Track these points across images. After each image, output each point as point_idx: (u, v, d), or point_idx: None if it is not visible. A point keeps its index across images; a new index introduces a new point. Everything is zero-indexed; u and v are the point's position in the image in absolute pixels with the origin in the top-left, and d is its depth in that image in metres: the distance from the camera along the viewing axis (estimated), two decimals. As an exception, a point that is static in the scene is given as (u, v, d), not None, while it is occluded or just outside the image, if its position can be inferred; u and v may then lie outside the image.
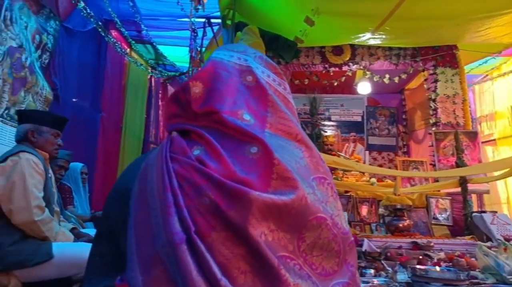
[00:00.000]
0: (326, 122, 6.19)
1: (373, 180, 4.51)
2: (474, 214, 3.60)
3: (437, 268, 2.29)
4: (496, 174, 3.91)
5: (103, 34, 4.10)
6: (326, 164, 0.97)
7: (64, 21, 3.81)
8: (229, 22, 4.34)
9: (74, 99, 4.11)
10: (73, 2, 3.58)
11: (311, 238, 0.81)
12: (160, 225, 0.76)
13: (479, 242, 2.84)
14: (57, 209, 2.29)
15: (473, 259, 2.53)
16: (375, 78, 5.02)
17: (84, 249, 1.90)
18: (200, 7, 3.32)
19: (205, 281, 0.69)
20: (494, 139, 6.18)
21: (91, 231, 2.69)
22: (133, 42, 4.83)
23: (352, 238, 0.92)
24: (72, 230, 2.38)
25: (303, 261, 0.80)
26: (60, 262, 2.01)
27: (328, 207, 0.86)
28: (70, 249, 2.08)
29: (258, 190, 0.77)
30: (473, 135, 4.48)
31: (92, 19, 3.80)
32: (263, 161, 0.82)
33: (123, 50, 4.63)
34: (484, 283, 2.12)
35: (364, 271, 2.44)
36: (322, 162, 0.94)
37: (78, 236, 2.36)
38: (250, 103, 0.94)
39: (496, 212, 3.66)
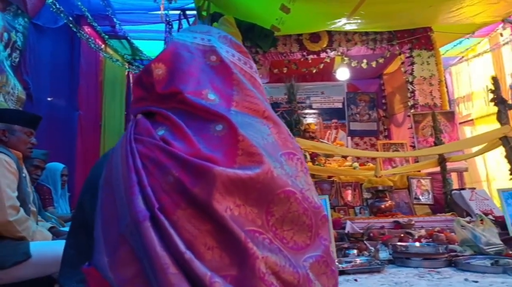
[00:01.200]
0: (308, 111, 6.23)
1: (355, 164, 4.56)
2: (453, 191, 3.68)
3: (417, 244, 2.34)
4: (474, 151, 3.99)
5: (75, 30, 4.00)
6: (295, 140, 0.98)
7: (34, 18, 3.70)
8: (204, 13, 4.30)
9: (49, 98, 4.01)
10: (41, -3, 3.48)
11: (280, 212, 0.81)
12: (124, 205, 0.76)
13: (457, 217, 2.90)
14: (33, 208, 2.23)
15: (452, 233, 2.59)
16: (353, 64, 5.05)
17: (62, 247, 1.87)
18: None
19: (169, 256, 0.69)
20: (471, 120, 6.32)
21: (72, 230, 2.65)
22: (107, 37, 4.74)
23: (325, 213, 0.92)
24: (50, 229, 2.33)
25: (273, 235, 0.80)
26: (39, 261, 1.97)
27: (297, 182, 0.86)
28: (48, 247, 2.04)
29: (223, 166, 0.77)
30: (450, 116, 4.57)
31: (62, 15, 3.70)
32: (228, 138, 0.81)
33: (97, 46, 4.53)
34: (463, 255, 2.17)
35: (347, 251, 2.47)
36: (290, 138, 0.94)
37: (57, 234, 2.32)
38: (215, 82, 0.94)
39: (474, 188, 3.74)
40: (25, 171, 2.32)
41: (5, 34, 3.31)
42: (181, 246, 0.69)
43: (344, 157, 4.84)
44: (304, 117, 5.96)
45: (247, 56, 1.07)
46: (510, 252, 2.15)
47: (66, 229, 2.73)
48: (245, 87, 0.94)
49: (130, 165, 0.78)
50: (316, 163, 4.51)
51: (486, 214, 2.94)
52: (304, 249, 0.84)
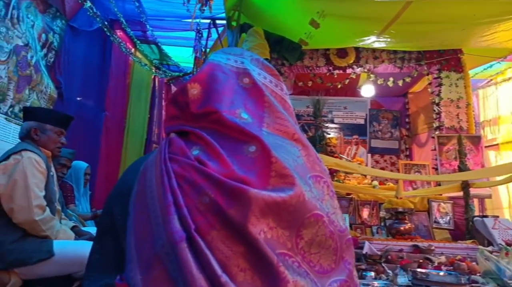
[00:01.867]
0: (329, 125, 6.20)
1: (375, 182, 4.50)
2: (475, 218, 3.59)
3: (438, 272, 2.28)
4: (499, 178, 3.89)
5: (108, 34, 4.12)
6: (323, 163, 0.98)
7: (70, 20, 3.84)
8: (234, 23, 4.36)
9: (78, 98, 4.13)
10: (80, 1, 3.61)
11: (308, 235, 0.82)
12: (160, 225, 0.77)
13: (480, 246, 2.83)
14: (58, 207, 2.29)
15: (474, 263, 2.53)
16: (379, 81, 5.01)
17: (84, 247, 1.91)
18: (205, 8, 3.33)
19: (205, 278, 0.70)
20: (497, 144, 6.18)
21: (92, 229, 2.70)
22: (138, 42, 4.86)
23: (349, 236, 0.92)
24: (73, 228, 2.38)
25: (302, 258, 0.81)
26: (61, 259, 2.02)
27: (324, 205, 0.87)
28: (70, 247, 2.09)
29: (257, 188, 0.78)
30: (476, 140, 4.47)
31: (98, 19, 3.83)
32: (261, 159, 0.83)
33: (128, 50, 4.65)
34: (485, 288, 2.12)
35: (364, 273, 2.44)
36: (318, 160, 0.95)
37: (79, 234, 2.37)
38: (247, 104, 0.95)
39: (497, 216, 3.65)
40: (53, 169, 2.38)
41: (43, 35, 3.44)
42: (217, 269, 0.70)
43: (364, 175, 4.79)
44: (327, 132, 5.93)
45: (279, 79, 1.09)
46: (535, 289, 2.08)
47: (87, 228, 2.79)
48: (276, 110, 0.96)
49: (165, 185, 0.79)
50: (335, 179, 4.47)
51: (509, 244, 2.86)
52: (329, 273, 0.84)
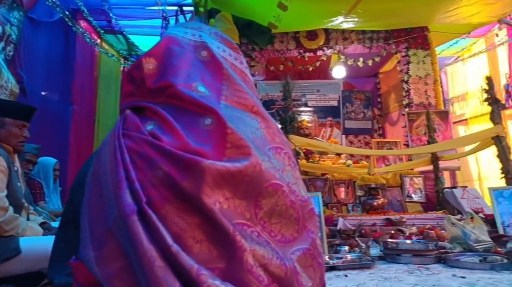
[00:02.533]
0: (303, 108, 6.24)
1: (349, 162, 4.58)
2: (445, 190, 3.71)
3: (407, 241, 2.36)
4: (467, 150, 4.03)
5: (70, 24, 3.98)
6: (283, 135, 0.99)
7: (29, 11, 3.67)
8: (201, 9, 4.28)
9: (43, 93, 4.00)
10: (37, -9, 3.46)
11: (268, 205, 0.82)
12: (112, 200, 0.76)
13: (448, 215, 2.93)
14: (25, 203, 2.21)
15: (443, 231, 2.62)
16: (349, 62, 5.07)
17: (52, 242, 1.86)
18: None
19: (156, 249, 0.69)
20: (466, 119, 6.37)
21: (64, 224, 2.64)
22: (103, 32, 4.71)
23: (312, 206, 0.93)
24: (42, 224, 2.31)
25: (261, 228, 0.81)
26: (29, 256, 1.95)
27: (284, 175, 0.87)
28: (38, 243, 2.02)
29: (212, 159, 0.77)
30: (444, 115, 4.60)
31: (58, 9, 3.69)
32: (216, 131, 0.82)
33: (92, 40, 4.51)
34: (452, 252, 2.20)
35: (339, 248, 2.49)
36: (279, 132, 0.95)
37: (49, 230, 2.30)
38: (205, 77, 0.94)
39: (466, 187, 3.78)
40: (17, 164, 2.27)
41: (0, 28, 3.29)
42: (168, 239, 0.70)
43: (338, 155, 4.87)
44: (300, 115, 5.97)
45: (238, 52, 1.08)
46: (499, 249, 2.18)
47: (57, 224, 2.72)
48: (234, 82, 0.95)
49: (118, 160, 0.78)
50: (310, 160, 4.52)
51: (477, 212, 2.97)
52: (292, 242, 0.85)
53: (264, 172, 0.81)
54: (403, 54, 4.86)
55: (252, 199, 0.80)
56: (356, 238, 2.62)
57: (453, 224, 2.40)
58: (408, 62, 4.80)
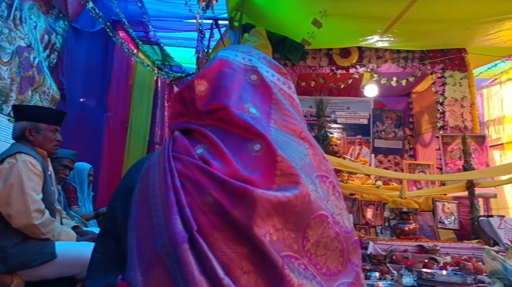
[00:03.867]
0: (332, 125, 6.17)
1: (379, 183, 4.48)
2: (481, 218, 3.55)
3: (444, 272, 2.26)
4: (504, 178, 3.86)
5: (111, 35, 4.12)
6: (329, 163, 0.96)
7: (73, 21, 3.84)
8: (236, 23, 4.35)
9: (81, 99, 4.13)
10: (82, 2, 3.60)
11: (314, 237, 0.80)
12: (161, 225, 0.76)
13: (486, 246, 2.80)
14: (58, 207, 2.27)
15: (479, 263, 2.50)
16: (382, 81, 4.99)
17: (87, 248, 1.89)
18: (206, 7, 3.32)
19: (207, 281, 0.68)
20: (501, 144, 6.13)
21: (95, 229, 2.69)
22: (140, 43, 4.86)
23: (356, 238, 0.90)
24: (74, 229, 2.37)
25: (308, 261, 0.79)
26: (63, 261, 2.00)
27: (329, 205, 0.85)
28: (73, 248, 2.07)
29: (261, 188, 0.76)
30: (481, 139, 4.43)
31: (100, 20, 3.83)
32: (266, 158, 0.81)
33: (130, 50, 4.65)
34: (491, 288, 2.09)
35: (369, 274, 2.42)
36: (325, 160, 0.93)
37: (81, 234, 2.35)
38: (255, 100, 0.94)
39: (503, 216, 3.61)
40: (50, 168, 2.34)
41: (46, 36, 3.45)
42: (220, 272, 0.69)
43: (368, 175, 4.77)
44: (331, 133, 5.91)
45: (287, 77, 1.07)
46: (543, 289, 2.05)
47: (90, 228, 2.78)
48: (283, 107, 0.94)
49: (168, 184, 0.78)
50: (339, 179, 4.45)
51: (516, 245, 2.83)
52: (336, 275, 0.82)
53: (312, 202, 0.79)
54: (439, 75, 4.74)
55: (301, 230, 0.78)
56: (387, 264, 2.54)
57: (492, 257, 2.28)
58: (444, 84, 4.68)
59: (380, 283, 2.20)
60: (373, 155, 5.93)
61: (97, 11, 3.67)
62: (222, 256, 0.72)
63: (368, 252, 2.71)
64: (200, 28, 4.33)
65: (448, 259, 2.70)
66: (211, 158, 0.82)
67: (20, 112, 2.24)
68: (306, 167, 0.85)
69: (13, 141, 2.23)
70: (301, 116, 0.99)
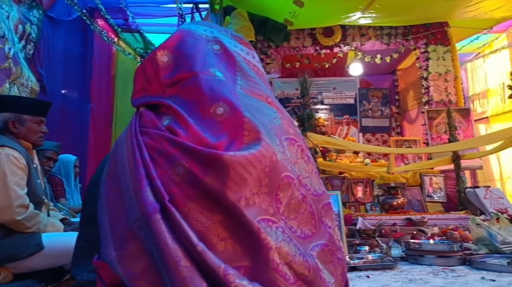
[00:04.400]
0: (319, 106, 6.17)
1: (367, 160, 4.51)
2: (467, 189, 3.61)
3: (431, 241, 2.30)
4: (488, 149, 3.91)
5: (88, 23, 4.02)
6: (297, 127, 0.97)
7: (48, 10, 3.72)
8: (217, 6, 4.28)
9: (63, 91, 4.05)
10: (56, -10, 3.50)
11: (285, 199, 0.79)
12: (132, 199, 0.75)
13: (472, 216, 2.85)
14: (44, 199, 2.23)
15: (466, 232, 2.55)
16: (367, 59, 4.98)
17: (74, 238, 1.87)
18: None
19: (181, 248, 0.68)
20: (486, 117, 6.20)
21: (83, 221, 2.65)
22: (120, 30, 4.74)
23: (328, 200, 0.90)
24: (62, 220, 2.33)
25: (284, 224, 0.79)
26: (51, 252, 1.97)
27: (296, 168, 0.84)
28: (60, 239, 2.04)
29: (231, 150, 0.75)
30: (465, 113, 4.48)
31: (76, 7, 3.72)
32: (231, 120, 0.80)
33: (110, 39, 4.55)
34: (477, 254, 2.13)
35: (359, 248, 2.45)
36: (292, 124, 0.93)
37: (69, 225, 2.32)
38: (219, 66, 0.92)
39: (489, 186, 3.67)
40: (36, 161, 2.28)
41: (20, 27, 3.34)
42: (194, 238, 0.68)
43: (356, 153, 4.80)
44: (316, 112, 5.92)
45: (250, 48, 1.06)
46: (527, 252, 2.10)
47: (78, 219, 2.75)
48: (247, 74, 0.93)
49: (137, 158, 0.77)
50: (328, 158, 4.47)
51: (501, 213, 2.88)
52: (310, 238, 0.82)
53: (279, 163, 0.79)
54: (422, 50, 4.75)
55: (273, 192, 0.77)
56: (377, 238, 2.57)
57: (478, 225, 2.33)
58: (428, 59, 4.69)
59: (369, 256, 2.23)
60: (361, 134, 5.96)
61: (72, -1, 3.56)
62: (197, 224, 0.71)
63: (357, 227, 2.74)
64: (180, 12, 4.24)
65: (436, 230, 2.75)
66: (177, 127, 0.81)
67: (2, 103, 2.14)
68: (276, 128, 0.84)
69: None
70: (266, 84, 0.98)
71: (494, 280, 1.64)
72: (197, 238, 0.68)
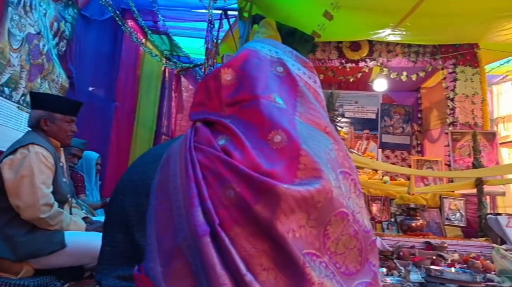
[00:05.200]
0: (340, 119, 6.13)
1: (386, 178, 4.46)
2: (488, 216, 3.53)
3: (452, 269, 2.25)
4: (513, 176, 3.83)
5: (120, 23, 4.10)
6: (351, 160, 0.95)
7: (82, 9, 3.82)
8: (246, 14, 4.30)
9: (90, 88, 4.13)
10: (91, -10, 3.58)
11: (335, 235, 0.79)
12: (182, 217, 0.75)
13: (494, 244, 2.78)
14: (69, 198, 2.27)
15: (488, 261, 2.48)
16: (392, 75, 4.94)
17: (96, 239, 1.87)
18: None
19: (229, 276, 0.67)
20: (510, 141, 6.07)
21: (102, 219, 2.69)
22: (149, 32, 4.82)
23: (374, 238, 0.89)
24: (84, 219, 2.37)
25: (328, 259, 0.78)
26: (73, 251, 2.00)
27: (350, 203, 0.84)
28: (82, 238, 2.07)
29: (284, 182, 0.74)
30: (491, 137, 4.39)
31: (109, 8, 3.80)
32: (288, 150, 0.79)
33: (139, 40, 4.62)
34: (501, 286, 2.08)
35: (376, 270, 2.41)
36: (348, 157, 0.92)
37: (90, 224, 2.35)
38: (281, 91, 0.92)
39: (511, 214, 3.58)
40: (62, 159, 2.32)
41: (55, 24, 3.43)
42: (242, 267, 0.67)
43: (375, 170, 4.74)
44: (341, 127, 5.88)
45: (312, 71, 1.05)
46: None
47: (97, 218, 2.78)
48: (308, 100, 0.92)
49: (190, 175, 0.76)
50: (346, 173, 4.43)
51: (524, 244, 2.81)
52: (355, 275, 0.81)
53: (334, 199, 0.78)
54: (450, 70, 4.68)
55: (322, 227, 0.77)
56: (395, 260, 2.53)
57: (502, 255, 2.27)
58: (455, 79, 4.62)
59: (388, 279, 2.19)
60: (380, 150, 5.90)
61: (106, -1, 3.64)
62: (242, 251, 0.71)
63: (376, 247, 2.70)
64: (210, 18, 4.28)
65: (456, 256, 2.69)
66: (232, 149, 0.80)
67: (37, 100, 2.20)
68: (332, 161, 0.83)
69: (28, 129, 2.22)
70: (325, 111, 0.97)
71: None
72: (245, 267, 0.68)
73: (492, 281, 2.18)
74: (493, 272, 2.33)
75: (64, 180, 2.23)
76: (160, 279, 0.73)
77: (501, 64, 5.32)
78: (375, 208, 4.10)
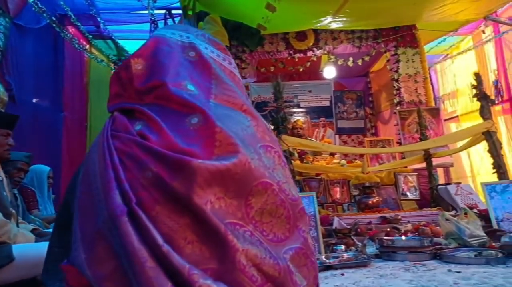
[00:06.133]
0: (296, 109, 6.25)
1: (343, 161, 4.59)
2: (439, 186, 3.72)
3: (403, 238, 2.36)
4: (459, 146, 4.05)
5: (58, 30, 3.94)
6: (273, 134, 0.99)
7: (15, 18, 3.64)
8: (190, 12, 4.28)
9: (34, 100, 3.95)
10: (23, -3, 3.42)
11: (258, 204, 0.82)
12: (101, 201, 0.76)
13: (443, 211, 2.94)
14: (12, 211, 2.17)
15: (437, 227, 2.63)
16: (340, 62, 5.09)
17: (46, 248, 1.82)
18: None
19: (147, 250, 0.69)
20: (457, 116, 6.42)
21: (58, 231, 2.60)
22: (91, 37, 4.67)
23: (302, 205, 0.94)
24: (33, 231, 2.28)
25: (253, 227, 0.81)
26: (23, 263, 1.92)
27: (275, 174, 0.87)
28: (31, 249, 1.99)
29: (201, 159, 0.77)
30: (435, 112, 4.63)
31: (45, 15, 3.64)
32: (204, 129, 0.82)
33: (81, 46, 4.47)
34: (447, 248, 2.21)
35: (335, 247, 2.49)
36: (268, 131, 0.95)
37: (41, 235, 2.27)
38: (194, 76, 0.94)
39: (460, 183, 3.80)
40: (1, 174, 2.25)
41: (-14, 35, 3.25)
42: (159, 239, 0.69)
43: (332, 155, 4.87)
44: (292, 116, 5.98)
45: (226, 53, 1.08)
46: (493, 244, 2.19)
47: (51, 230, 2.68)
48: (223, 81, 0.95)
49: (107, 161, 0.78)
50: (304, 160, 4.52)
51: (471, 208, 2.99)
52: (284, 241, 0.85)
53: (253, 170, 0.81)
54: (392, 53, 4.89)
55: (243, 198, 0.80)
56: (352, 237, 2.62)
57: (447, 220, 2.41)
58: (398, 61, 4.83)
59: (345, 254, 2.27)
60: (337, 136, 6.06)
61: (39, 6, 3.49)
62: (165, 228, 0.73)
63: (333, 227, 2.78)
64: (153, 18, 4.22)
65: (409, 226, 2.82)
66: (148, 132, 0.83)
67: None
68: (249, 137, 0.87)
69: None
70: (242, 90, 1.00)
71: (459, 272, 1.71)
72: (162, 240, 0.69)
73: (440, 244, 2.30)
74: (441, 236, 2.47)
75: (5, 193, 2.14)
76: (85, 265, 0.74)
77: (438, 43, 5.61)
78: (335, 191, 4.21)
